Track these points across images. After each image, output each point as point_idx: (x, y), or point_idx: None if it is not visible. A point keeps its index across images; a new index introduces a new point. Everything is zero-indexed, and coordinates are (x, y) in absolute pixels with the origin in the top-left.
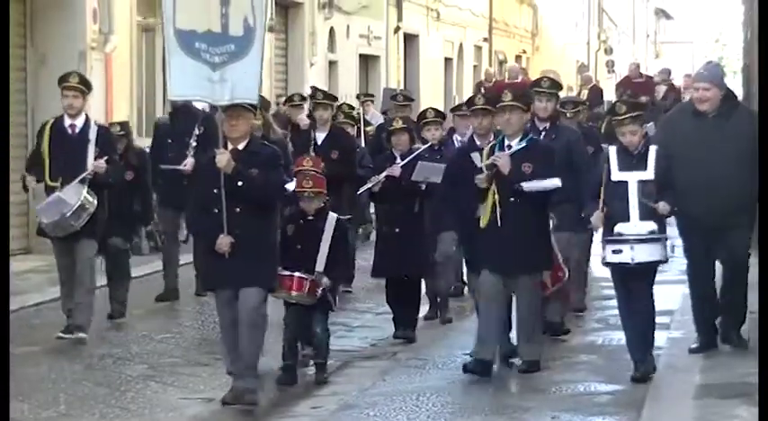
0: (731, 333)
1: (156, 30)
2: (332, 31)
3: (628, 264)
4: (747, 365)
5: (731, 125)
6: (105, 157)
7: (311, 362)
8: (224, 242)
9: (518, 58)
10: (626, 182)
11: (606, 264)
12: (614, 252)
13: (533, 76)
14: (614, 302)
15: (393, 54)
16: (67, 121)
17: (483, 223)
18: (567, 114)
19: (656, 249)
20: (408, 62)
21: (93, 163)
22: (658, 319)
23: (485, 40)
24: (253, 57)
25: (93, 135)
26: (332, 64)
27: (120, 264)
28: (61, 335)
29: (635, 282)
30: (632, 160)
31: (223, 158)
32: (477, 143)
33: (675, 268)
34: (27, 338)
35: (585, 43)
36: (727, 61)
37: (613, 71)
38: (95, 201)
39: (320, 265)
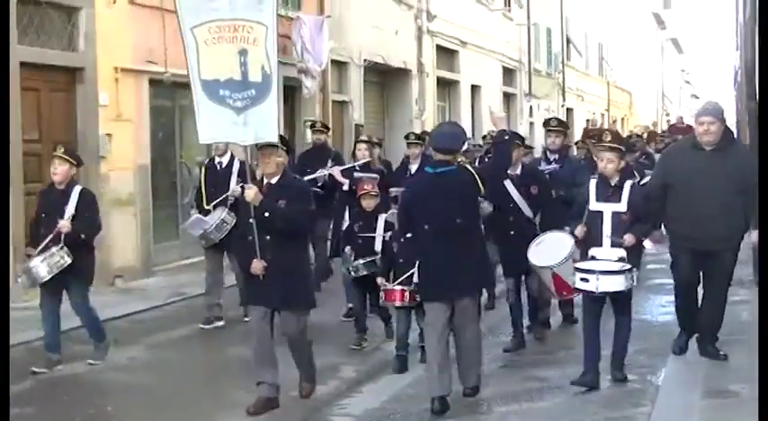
0: (707, 347)
1: (446, 107)
2: (531, 107)
3: (593, 292)
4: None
5: (728, 159)
6: (241, 184)
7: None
8: (257, 266)
9: (622, 119)
10: (601, 212)
11: (576, 289)
12: (582, 280)
13: (627, 130)
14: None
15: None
16: (217, 160)
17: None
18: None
19: (620, 280)
20: (569, 122)
21: (232, 188)
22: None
23: (606, 110)
24: (271, 101)
25: (235, 168)
26: (531, 124)
27: None
28: (203, 326)
29: (615, 300)
30: (609, 192)
31: (250, 193)
32: (509, 171)
33: None
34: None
35: (655, 110)
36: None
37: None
38: (234, 220)
39: (417, 277)
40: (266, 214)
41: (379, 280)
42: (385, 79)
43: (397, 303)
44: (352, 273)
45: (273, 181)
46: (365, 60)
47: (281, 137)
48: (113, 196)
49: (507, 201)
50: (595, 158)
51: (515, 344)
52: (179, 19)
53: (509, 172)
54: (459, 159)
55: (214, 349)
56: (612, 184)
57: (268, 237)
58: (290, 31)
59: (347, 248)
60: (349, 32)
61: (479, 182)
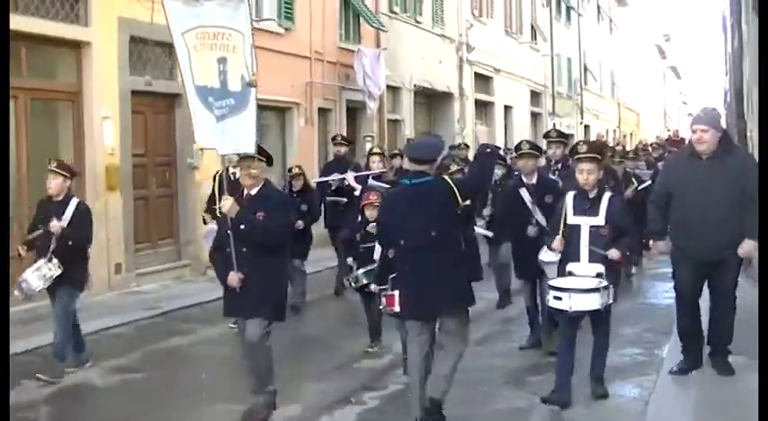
0: (719, 360)
1: (483, 124)
2: (554, 124)
3: (566, 311)
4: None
5: (726, 166)
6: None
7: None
8: (233, 278)
9: (631, 134)
10: (579, 225)
11: (550, 308)
12: (555, 298)
13: (635, 143)
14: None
15: (579, 134)
16: (231, 170)
17: None
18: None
19: (594, 299)
20: (586, 137)
21: None
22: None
23: (617, 126)
24: (249, 111)
25: None
26: None
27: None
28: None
29: (592, 318)
30: (586, 205)
31: (226, 204)
32: (524, 180)
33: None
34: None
35: (658, 127)
36: None
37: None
38: None
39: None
40: (242, 226)
41: (373, 286)
42: (431, 101)
43: (396, 308)
44: (353, 283)
45: (253, 192)
46: (415, 85)
47: (259, 148)
48: (205, 201)
49: (522, 209)
50: (576, 173)
51: (531, 342)
52: (168, 25)
53: (525, 181)
54: (454, 167)
55: (289, 328)
56: (590, 197)
57: (244, 250)
58: (352, 62)
59: (349, 259)
60: (401, 62)
61: (457, 192)
